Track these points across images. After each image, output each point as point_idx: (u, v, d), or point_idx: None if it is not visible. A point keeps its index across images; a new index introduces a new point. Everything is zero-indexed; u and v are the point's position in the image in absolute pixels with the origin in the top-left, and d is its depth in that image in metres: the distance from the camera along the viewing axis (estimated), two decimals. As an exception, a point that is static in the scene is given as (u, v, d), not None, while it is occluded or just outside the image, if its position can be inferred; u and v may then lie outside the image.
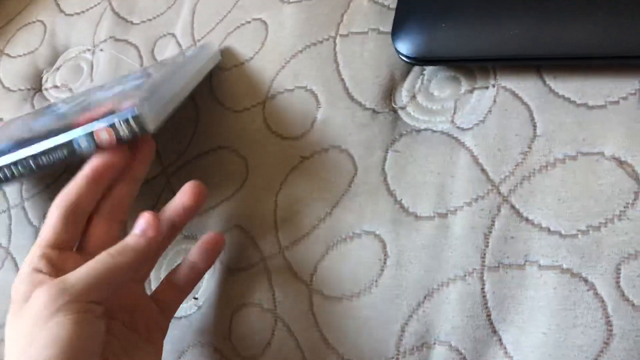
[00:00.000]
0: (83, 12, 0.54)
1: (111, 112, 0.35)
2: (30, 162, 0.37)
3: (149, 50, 0.49)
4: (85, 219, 0.36)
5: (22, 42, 0.56)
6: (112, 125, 0.35)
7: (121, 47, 0.51)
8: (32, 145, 0.36)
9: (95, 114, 0.36)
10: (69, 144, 0.36)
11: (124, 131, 0.35)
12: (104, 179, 0.36)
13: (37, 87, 0.54)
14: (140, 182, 0.39)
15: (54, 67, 0.54)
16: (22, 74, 0.54)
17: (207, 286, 0.41)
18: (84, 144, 0.36)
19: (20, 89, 0.54)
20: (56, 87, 0.52)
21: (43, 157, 0.37)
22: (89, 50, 0.52)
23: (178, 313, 0.40)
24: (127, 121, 0.35)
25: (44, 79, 0.54)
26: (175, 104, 0.39)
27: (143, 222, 0.35)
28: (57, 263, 0.33)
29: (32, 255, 0.33)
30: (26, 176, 0.38)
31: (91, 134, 0.35)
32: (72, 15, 0.55)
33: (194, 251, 0.38)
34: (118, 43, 0.51)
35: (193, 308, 0.41)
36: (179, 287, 0.38)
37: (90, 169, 0.36)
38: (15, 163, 0.37)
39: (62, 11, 0.55)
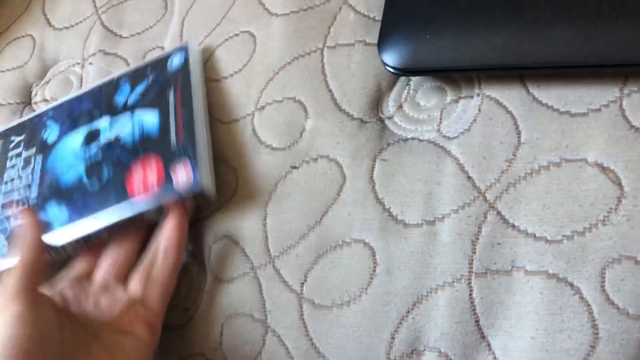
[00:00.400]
0: (72, 26, 0.55)
1: (167, 179, 0.39)
2: (99, 233, 0.40)
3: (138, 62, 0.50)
4: None
5: (11, 56, 0.56)
6: (180, 198, 0.39)
7: (110, 60, 0.51)
8: (96, 219, 0.40)
9: (147, 180, 0.40)
10: (139, 216, 0.40)
11: (189, 202, 0.40)
12: None
13: (26, 100, 0.54)
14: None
15: (44, 80, 0.54)
16: (12, 88, 0.54)
17: (197, 296, 0.41)
18: (154, 215, 0.40)
19: (9, 103, 0.54)
20: (45, 100, 0.53)
21: (116, 228, 0.40)
22: (78, 63, 0.53)
23: (169, 323, 0.40)
24: (193, 195, 0.39)
25: (33, 93, 0.54)
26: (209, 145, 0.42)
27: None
28: None
29: None
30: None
31: (161, 207, 0.40)
32: (61, 29, 0.55)
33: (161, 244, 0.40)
34: (107, 56, 0.51)
35: (184, 318, 0.41)
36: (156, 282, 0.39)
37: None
38: (89, 236, 0.40)
39: (51, 25, 0.56)
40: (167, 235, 0.39)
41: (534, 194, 0.34)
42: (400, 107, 0.39)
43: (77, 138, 0.45)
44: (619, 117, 0.33)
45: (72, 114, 0.47)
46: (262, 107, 0.43)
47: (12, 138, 0.48)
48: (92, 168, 0.42)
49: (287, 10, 0.45)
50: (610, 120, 0.33)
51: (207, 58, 0.46)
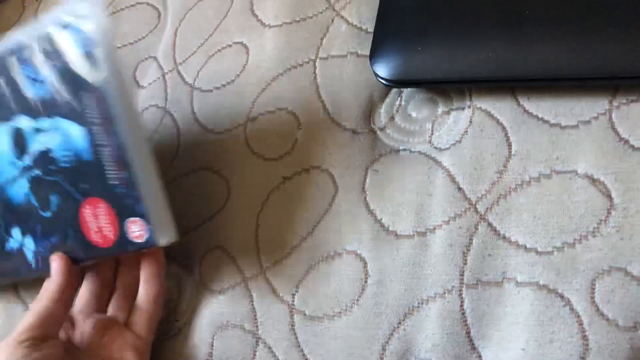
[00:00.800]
0: (65, 35, 0.54)
1: (122, 231, 0.36)
2: None
3: (130, 73, 0.50)
4: None
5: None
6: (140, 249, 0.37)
7: (103, 70, 0.51)
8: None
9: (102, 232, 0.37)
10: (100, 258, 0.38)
11: (147, 248, 0.37)
12: None
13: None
14: None
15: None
16: None
17: (187, 307, 0.41)
18: (117, 255, 0.39)
19: None
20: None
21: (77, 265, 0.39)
22: (70, 73, 0.52)
23: (158, 335, 0.40)
24: (150, 246, 0.36)
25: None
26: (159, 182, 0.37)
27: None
28: None
29: None
30: None
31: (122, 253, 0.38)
32: (53, 38, 0.55)
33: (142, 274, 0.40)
34: (100, 66, 0.51)
35: (174, 330, 0.41)
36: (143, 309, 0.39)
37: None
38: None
39: (43, 35, 0.56)
40: (145, 269, 0.40)
41: (525, 205, 0.34)
42: (392, 118, 0.39)
43: (3, 137, 0.39)
44: (608, 130, 0.33)
45: None
46: (255, 118, 0.43)
47: None
48: (37, 188, 0.39)
49: (280, 22, 0.45)
50: (599, 132, 0.34)
51: (201, 66, 0.46)
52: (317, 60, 0.42)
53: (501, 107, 0.36)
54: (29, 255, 0.40)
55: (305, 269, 0.38)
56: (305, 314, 0.37)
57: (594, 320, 0.31)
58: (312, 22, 0.44)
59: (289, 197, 0.40)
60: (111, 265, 0.42)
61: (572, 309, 0.31)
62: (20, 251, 0.41)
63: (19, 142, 0.39)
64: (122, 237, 0.36)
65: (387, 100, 0.40)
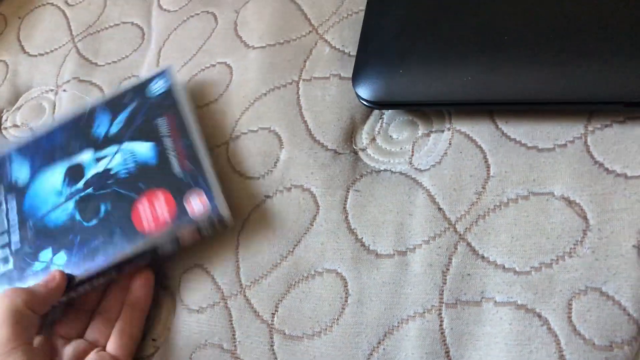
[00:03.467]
0: (47, 53, 0.54)
1: (181, 209, 0.39)
2: (113, 272, 0.39)
3: (112, 91, 0.50)
4: None
5: (-18, 81, 0.56)
6: (198, 228, 0.39)
7: (85, 87, 0.51)
8: (113, 254, 0.39)
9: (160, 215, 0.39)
10: (153, 251, 0.39)
11: (207, 230, 0.39)
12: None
13: (-4, 125, 0.53)
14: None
15: (15, 106, 0.53)
16: (-19, 113, 0.54)
17: (165, 327, 0.40)
18: (169, 248, 0.39)
19: (-22, 128, 0.53)
20: (16, 126, 0.52)
21: (126, 266, 0.39)
22: (51, 90, 0.52)
23: (136, 354, 0.39)
24: (211, 222, 0.39)
25: (3, 118, 0.53)
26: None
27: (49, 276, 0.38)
28: None
29: None
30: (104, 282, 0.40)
31: (176, 239, 0.39)
32: (35, 56, 0.55)
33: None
34: (82, 84, 0.51)
35: (151, 349, 0.40)
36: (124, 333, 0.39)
37: None
38: (98, 274, 0.39)
39: (25, 52, 0.55)
40: (134, 292, 0.40)
41: (503, 226, 0.34)
42: (373, 139, 0.40)
43: (55, 175, 0.43)
44: (583, 153, 0.34)
45: (42, 149, 0.45)
46: (237, 137, 0.43)
47: None
48: (84, 203, 0.41)
49: (264, 44, 0.45)
50: (575, 155, 0.34)
51: (183, 87, 0.47)
52: (300, 81, 0.43)
53: (480, 130, 0.37)
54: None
55: (285, 288, 0.38)
56: (284, 334, 0.37)
57: (570, 339, 0.31)
58: (296, 45, 0.44)
59: (270, 216, 0.40)
60: (97, 292, 0.41)
61: (549, 328, 0.32)
62: (46, 270, 0.40)
63: (75, 174, 0.43)
64: (179, 214, 0.39)
65: (369, 122, 0.41)
